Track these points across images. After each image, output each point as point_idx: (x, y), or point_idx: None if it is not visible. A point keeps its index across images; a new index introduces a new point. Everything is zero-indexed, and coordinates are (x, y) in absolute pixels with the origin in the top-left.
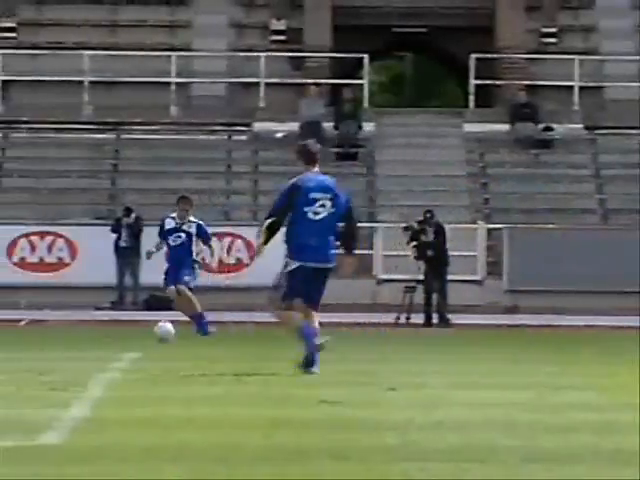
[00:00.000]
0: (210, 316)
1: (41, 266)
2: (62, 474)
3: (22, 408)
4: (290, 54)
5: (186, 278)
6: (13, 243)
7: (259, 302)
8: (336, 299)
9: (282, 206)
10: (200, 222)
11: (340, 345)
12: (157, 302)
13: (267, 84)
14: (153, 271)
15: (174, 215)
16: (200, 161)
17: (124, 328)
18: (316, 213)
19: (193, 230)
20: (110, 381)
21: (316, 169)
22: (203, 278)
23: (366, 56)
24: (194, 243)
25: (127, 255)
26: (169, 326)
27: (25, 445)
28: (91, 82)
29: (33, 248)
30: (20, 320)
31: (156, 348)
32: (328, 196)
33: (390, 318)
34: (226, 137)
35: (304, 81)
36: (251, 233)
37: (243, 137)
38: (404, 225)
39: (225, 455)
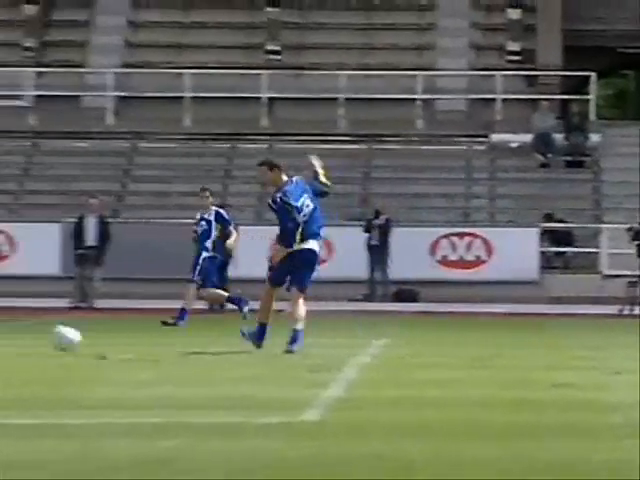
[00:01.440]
0: (459, 307)
1: None
2: (321, 448)
3: (287, 388)
4: (524, 72)
5: (195, 277)
6: None
7: (497, 294)
8: (564, 292)
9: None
10: (219, 209)
11: (569, 334)
12: (405, 295)
13: (503, 100)
14: (401, 267)
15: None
16: (442, 169)
17: (374, 318)
18: (304, 215)
19: (212, 217)
20: (362, 365)
21: (284, 176)
22: (446, 273)
23: (593, 74)
24: (213, 229)
25: (377, 252)
26: None
27: (289, 421)
28: (346, 99)
29: None
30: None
31: (402, 335)
32: (307, 196)
33: (614, 310)
34: (466, 147)
35: (536, 97)
36: (489, 233)
37: (481, 147)
38: (627, 226)
39: (467, 431)
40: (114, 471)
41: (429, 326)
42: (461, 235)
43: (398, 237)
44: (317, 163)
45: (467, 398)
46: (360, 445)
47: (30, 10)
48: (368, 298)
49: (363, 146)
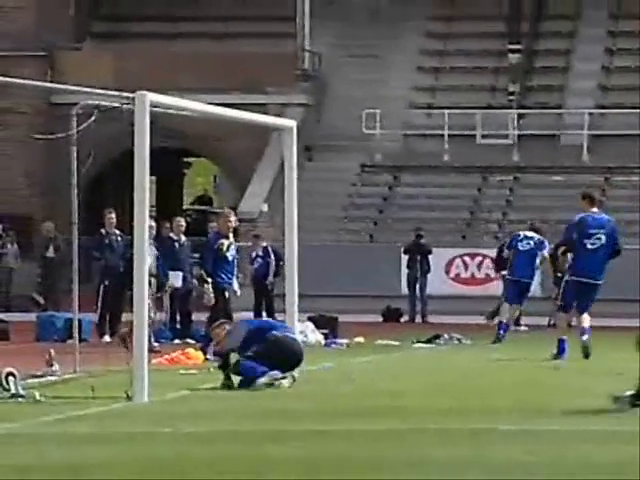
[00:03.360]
0: None
1: None
2: None
3: None
4: None
5: None
6: None
7: None
8: None
9: (570, 238)
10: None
11: None
12: None
13: None
14: None
15: None
16: None
17: None
18: (592, 244)
19: None
20: None
21: (594, 209)
22: None
23: None
24: None
25: None
26: None
27: None
28: None
29: None
30: None
31: None
32: (602, 231)
33: None
34: None
35: None
36: None
37: None
38: None
39: None
40: (591, 469)
41: None
42: None
43: None
44: None
45: None
46: None
47: (514, 59)
48: None
49: None
